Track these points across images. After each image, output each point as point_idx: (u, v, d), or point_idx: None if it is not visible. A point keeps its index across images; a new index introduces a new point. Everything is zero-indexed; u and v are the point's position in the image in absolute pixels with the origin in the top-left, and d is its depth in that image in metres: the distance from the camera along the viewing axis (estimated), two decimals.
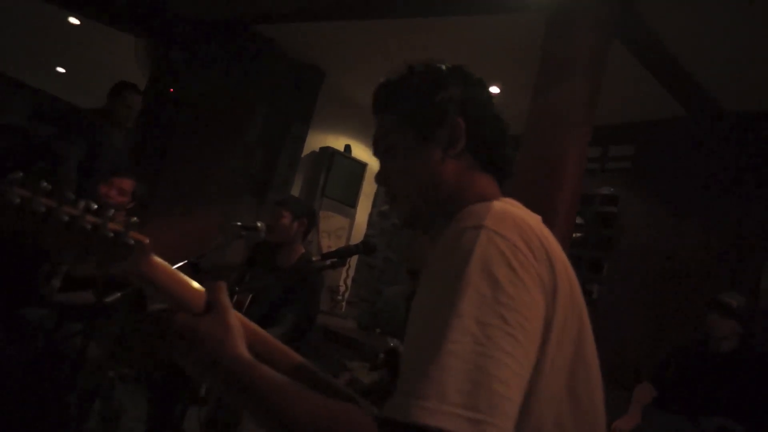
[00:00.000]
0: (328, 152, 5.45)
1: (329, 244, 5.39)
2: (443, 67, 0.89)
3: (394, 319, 3.50)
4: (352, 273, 5.77)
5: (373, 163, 5.98)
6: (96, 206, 0.64)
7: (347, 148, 5.65)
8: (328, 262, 1.75)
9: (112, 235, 0.64)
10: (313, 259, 1.87)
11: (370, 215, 6.04)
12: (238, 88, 4.53)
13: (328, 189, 5.40)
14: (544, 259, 0.66)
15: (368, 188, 5.96)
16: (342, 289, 5.57)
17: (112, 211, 0.65)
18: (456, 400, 0.52)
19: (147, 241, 0.68)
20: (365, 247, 1.77)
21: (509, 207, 0.71)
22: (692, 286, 3.75)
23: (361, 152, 5.87)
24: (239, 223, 2.72)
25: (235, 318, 0.71)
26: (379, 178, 0.91)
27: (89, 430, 2.58)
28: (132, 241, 0.66)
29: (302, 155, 5.28)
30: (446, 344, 0.55)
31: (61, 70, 7.47)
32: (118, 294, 1.81)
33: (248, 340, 0.72)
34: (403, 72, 0.89)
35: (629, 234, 4.29)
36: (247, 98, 4.64)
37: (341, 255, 1.75)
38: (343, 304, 5.59)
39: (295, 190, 5.32)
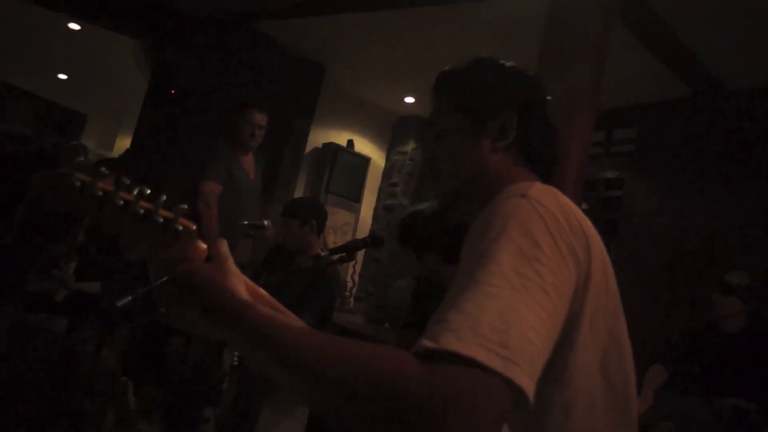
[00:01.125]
0: (331, 148, 5.45)
1: (335, 239, 5.40)
2: (508, 64, 0.93)
3: (401, 312, 3.51)
4: (358, 268, 5.78)
5: (376, 158, 5.99)
6: (149, 191, 0.66)
7: (350, 143, 5.64)
8: (336, 256, 1.76)
9: (162, 220, 0.66)
10: (321, 254, 1.87)
11: (375, 209, 6.04)
12: (239, 86, 4.52)
13: (332, 185, 5.40)
14: (581, 237, 0.69)
15: (372, 183, 5.95)
16: (350, 284, 5.58)
17: (163, 197, 0.67)
18: (489, 336, 0.52)
19: (194, 227, 0.70)
20: (373, 241, 1.78)
21: (552, 188, 0.75)
22: (700, 267, 3.73)
23: (364, 147, 5.85)
24: (245, 222, 2.72)
25: (235, 267, 0.72)
26: (425, 156, 0.96)
27: None
28: (181, 227, 0.68)
29: (305, 152, 5.28)
30: (484, 287, 0.57)
31: (62, 76, 7.49)
32: (129, 297, 1.82)
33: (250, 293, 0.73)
34: (469, 61, 0.94)
35: (635, 217, 4.27)
36: (247, 96, 4.63)
37: (349, 249, 1.75)
38: (351, 299, 5.60)
39: (299, 187, 5.32)
